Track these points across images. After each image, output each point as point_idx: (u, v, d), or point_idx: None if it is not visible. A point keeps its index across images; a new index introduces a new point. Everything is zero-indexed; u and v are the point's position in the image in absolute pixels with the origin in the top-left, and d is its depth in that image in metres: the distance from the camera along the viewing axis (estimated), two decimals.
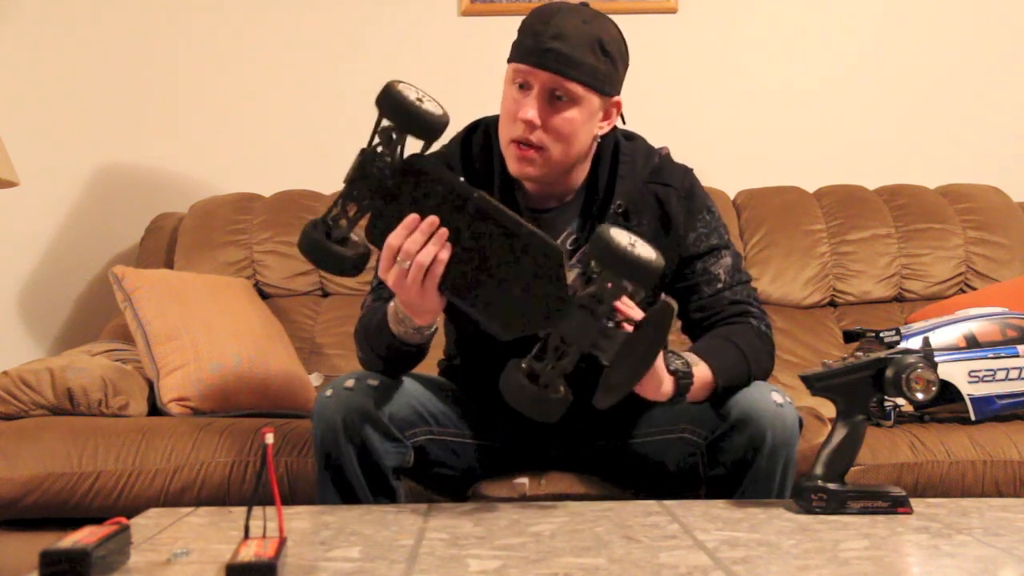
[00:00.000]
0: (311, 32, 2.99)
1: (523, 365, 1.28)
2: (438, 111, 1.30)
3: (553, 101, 1.48)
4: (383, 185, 1.31)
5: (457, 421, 1.66)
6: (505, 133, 1.54)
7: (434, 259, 1.30)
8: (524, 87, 1.49)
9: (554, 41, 1.45)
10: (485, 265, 1.31)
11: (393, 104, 1.28)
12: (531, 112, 1.47)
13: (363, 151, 1.31)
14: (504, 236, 1.30)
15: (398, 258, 1.31)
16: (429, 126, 1.29)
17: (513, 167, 1.54)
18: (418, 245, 1.30)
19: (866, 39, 3.02)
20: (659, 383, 1.40)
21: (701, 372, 1.45)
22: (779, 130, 3.00)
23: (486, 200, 1.31)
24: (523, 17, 1.54)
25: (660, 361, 1.39)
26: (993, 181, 2.86)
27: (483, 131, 1.63)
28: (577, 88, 1.48)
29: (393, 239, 1.31)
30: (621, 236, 1.25)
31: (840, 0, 3.02)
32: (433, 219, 1.30)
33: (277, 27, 2.99)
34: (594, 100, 1.50)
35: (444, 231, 1.30)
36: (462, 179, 1.32)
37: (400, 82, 1.31)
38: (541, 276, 1.29)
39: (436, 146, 1.53)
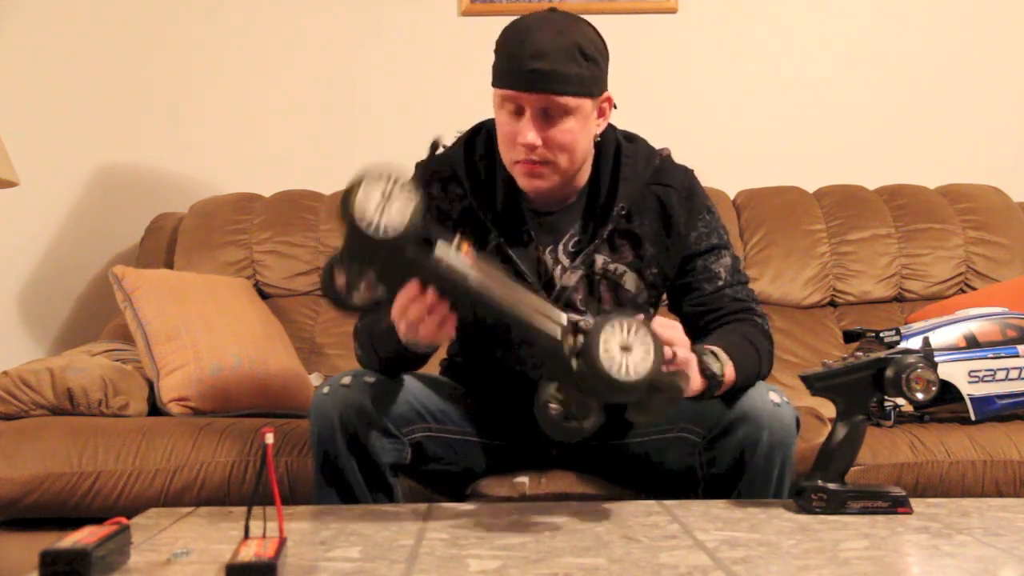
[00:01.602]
0: (311, 32, 2.99)
1: (553, 392, 1.22)
2: (392, 221, 1.13)
3: (548, 117, 1.49)
4: (373, 262, 1.20)
5: (456, 418, 1.66)
6: (508, 156, 1.55)
7: (441, 323, 1.25)
8: (516, 111, 1.50)
9: (535, 61, 1.45)
10: (497, 324, 1.23)
11: (346, 226, 1.14)
12: (530, 135, 1.49)
13: (350, 221, 1.14)
14: (504, 320, 1.21)
15: (406, 317, 1.27)
16: (377, 249, 1.14)
17: (524, 184, 1.55)
18: (419, 315, 1.24)
19: (866, 39, 3.02)
20: (691, 383, 1.39)
21: (728, 373, 1.45)
22: (779, 130, 3.00)
23: (483, 280, 1.20)
24: (500, 34, 1.52)
25: (695, 363, 1.38)
26: (993, 181, 2.86)
27: (485, 135, 1.63)
28: (568, 100, 1.48)
29: (398, 302, 1.25)
30: (611, 349, 1.15)
31: (840, 0, 3.03)
32: (430, 299, 1.22)
33: (277, 27, 2.99)
34: (586, 104, 1.51)
35: (443, 307, 1.23)
36: (457, 243, 1.19)
37: (361, 184, 1.13)
38: (544, 355, 1.22)
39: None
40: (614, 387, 1.15)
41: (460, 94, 2.81)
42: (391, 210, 1.13)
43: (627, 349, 1.16)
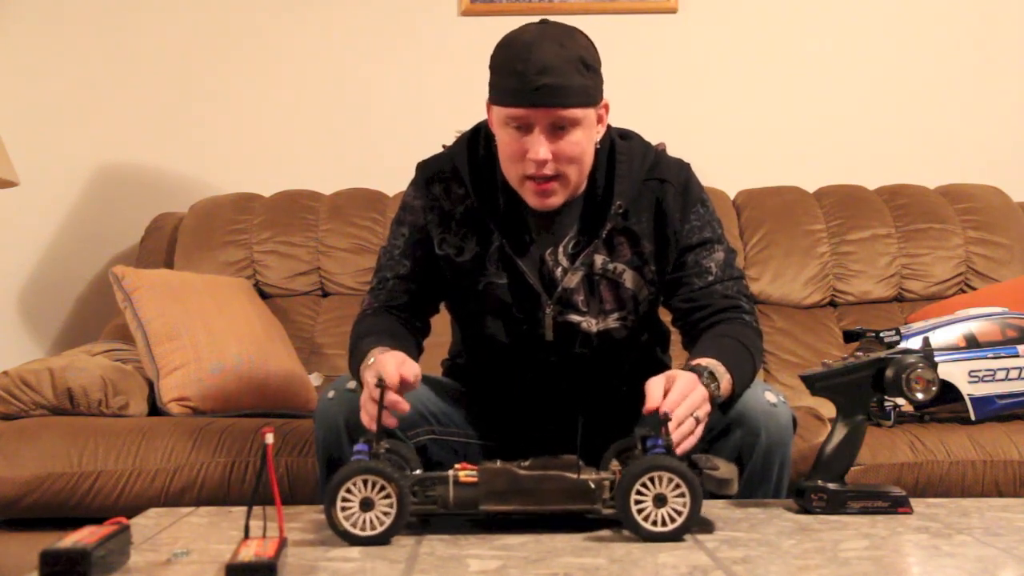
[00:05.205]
0: (311, 32, 2.99)
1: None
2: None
3: (556, 130, 1.48)
4: None
5: (460, 421, 1.66)
6: (514, 172, 1.53)
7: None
8: (522, 128, 1.48)
9: (542, 77, 1.44)
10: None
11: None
12: (542, 151, 1.47)
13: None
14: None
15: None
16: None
17: (534, 202, 1.53)
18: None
19: (866, 39, 3.02)
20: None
21: (725, 387, 1.43)
22: (779, 130, 3.00)
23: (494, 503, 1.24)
24: (497, 50, 1.51)
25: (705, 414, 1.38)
26: (993, 181, 2.85)
27: (485, 136, 1.62)
28: (576, 112, 1.47)
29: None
30: (645, 507, 1.18)
31: (840, 1, 3.03)
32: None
33: (277, 27, 2.99)
34: (591, 114, 1.51)
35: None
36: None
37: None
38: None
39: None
40: (658, 538, 1.17)
41: (460, 94, 2.80)
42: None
43: (662, 500, 1.18)
